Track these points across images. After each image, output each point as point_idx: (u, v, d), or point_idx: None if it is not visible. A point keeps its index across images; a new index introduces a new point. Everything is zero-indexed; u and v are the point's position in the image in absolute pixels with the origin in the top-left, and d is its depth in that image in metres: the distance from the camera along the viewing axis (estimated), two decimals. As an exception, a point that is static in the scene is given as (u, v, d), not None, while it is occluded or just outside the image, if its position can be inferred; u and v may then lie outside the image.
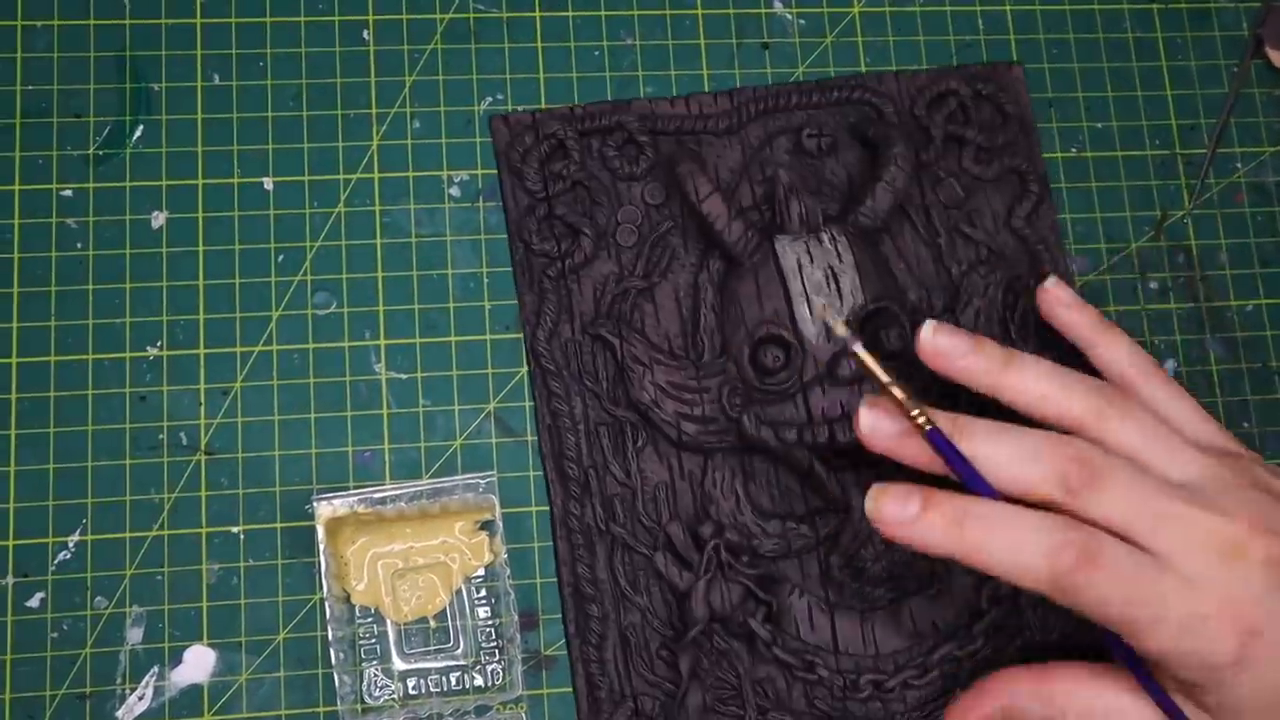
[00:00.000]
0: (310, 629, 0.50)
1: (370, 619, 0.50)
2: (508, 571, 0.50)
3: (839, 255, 0.51)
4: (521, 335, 0.53)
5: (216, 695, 0.49)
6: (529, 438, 0.53)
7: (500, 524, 0.50)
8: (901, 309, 0.51)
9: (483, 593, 0.51)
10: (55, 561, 0.50)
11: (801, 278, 0.51)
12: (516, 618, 0.49)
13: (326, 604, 0.49)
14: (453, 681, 0.50)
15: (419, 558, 0.51)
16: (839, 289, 0.51)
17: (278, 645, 0.50)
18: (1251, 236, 0.58)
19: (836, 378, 0.49)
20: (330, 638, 0.49)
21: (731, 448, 0.52)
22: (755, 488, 0.52)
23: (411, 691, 0.50)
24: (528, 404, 0.53)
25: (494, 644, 0.50)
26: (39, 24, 0.54)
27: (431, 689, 0.50)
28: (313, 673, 0.50)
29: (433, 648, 0.50)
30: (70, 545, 0.50)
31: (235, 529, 0.51)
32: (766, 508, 0.52)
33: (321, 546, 0.49)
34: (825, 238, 0.51)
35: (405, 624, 0.50)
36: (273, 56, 0.55)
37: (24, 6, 0.54)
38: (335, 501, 0.49)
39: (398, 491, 0.50)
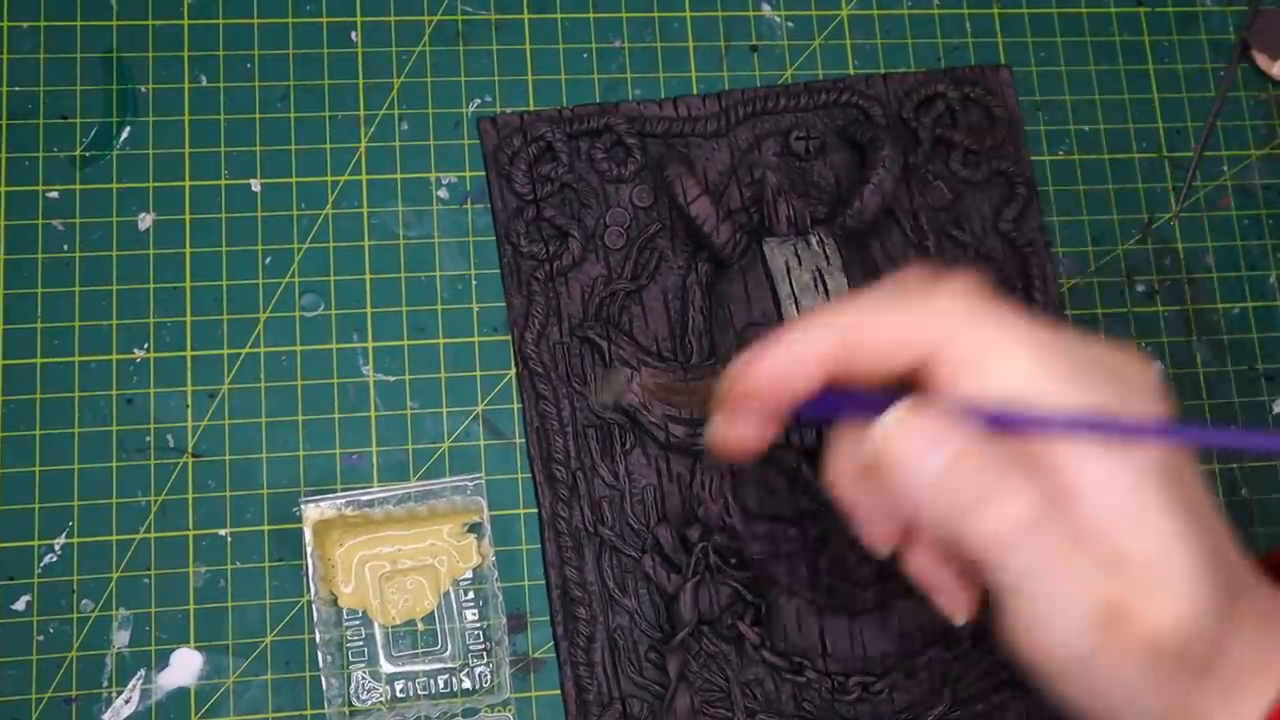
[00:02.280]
0: (298, 631, 0.50)
1: (358, 621, 0.50)
2: (495, 574, 0.50)
3: (827, 258, 0.51)
4: (509, 337, 0.53)
5: (204, 698, 0.49)
6: (517, 440, 0.53)
7: (488, 527, 0.50)
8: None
9: (470, 595, 0.51)
10: (41, 564, 0.50)
11: (790, 280, 0.51)
12: (504, 620, 0.49)
13: (314, 607, 0.49)
14: (440, 684, 0.50)
15: (407, 560, 0.50)
16: (827, 291, 0.51)
17: (265, 648, 0.50)
18: (1238, 239, 0.58)
19: (824, 380, 0.50)
20: (317, 640, 0.48)
21: (720, 450, 0.52)
22: (743, 490, 0.52)
23: (399, 694, 0.50)
24: (516, 406, 0.53)
25: (482, 646, 0.50)
26: (25, 25, 0.54)
27: (419, 692, 0.50)
28: (300, 675, 0.50)
29: (420, 650, 0.50)
30: (56, 548, 0.50)
31: (222, 531, 0.51)
32: (754, 510, 0.52)
33: (309, 549, 0.49)
34: (813, 240, 0.51)
35: (393, 627, 0.50)
36: (260, 58, 0.55)
37: (10, 7, 0.54)
38: (323, 504, 0.49)
39: (385, 494, 0.49)
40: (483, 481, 0.50)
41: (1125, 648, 0.33)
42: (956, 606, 0.39)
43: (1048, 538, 0.33)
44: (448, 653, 0.50)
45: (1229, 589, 0.34)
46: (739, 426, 0.37)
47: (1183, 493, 0.33)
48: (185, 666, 0.49)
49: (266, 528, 0.51)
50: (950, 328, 0.33)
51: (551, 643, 0.51)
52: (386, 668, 0.50)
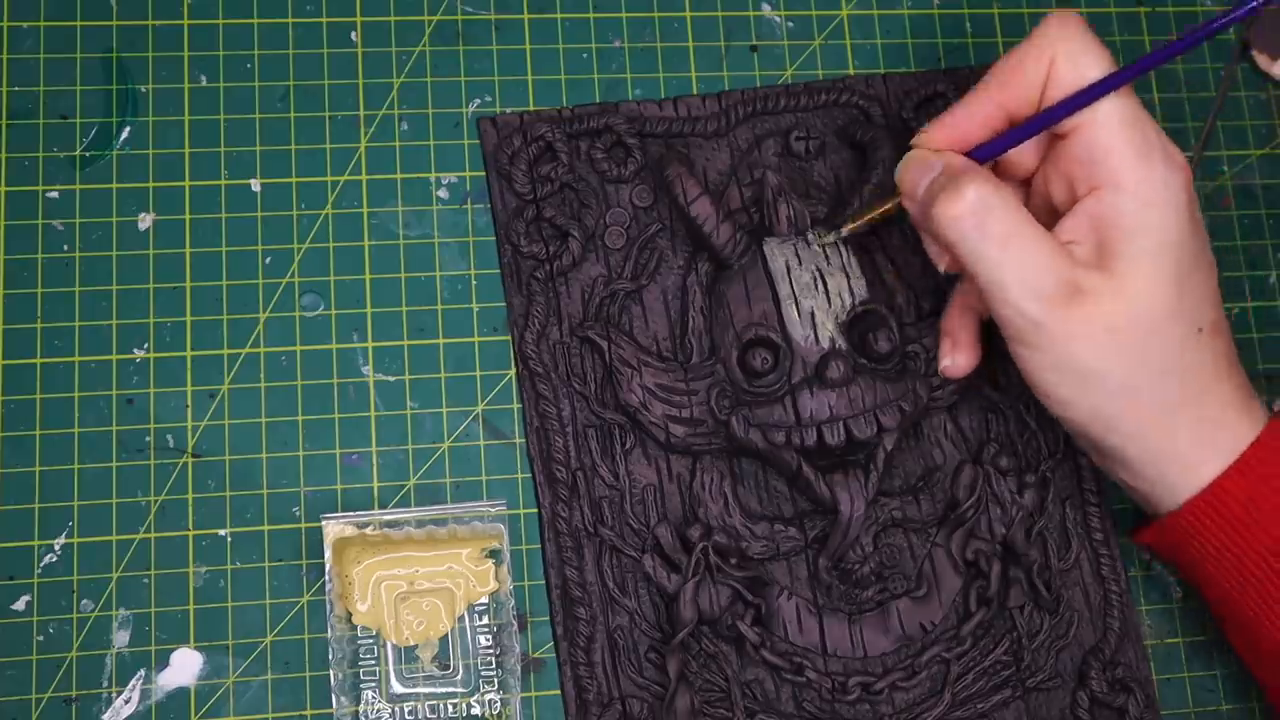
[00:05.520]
0: (298, 632, 0.50)
1: (371, 640, 0.50)
2: (512, 602, 0.50)
3: (827, 257, 0.51)
4: (510, 337, 0.53)
5: (203, 698, 0.49)
6: (517, 440, 0.53)
7: (507, 554, 0.50)
8: (890, 311, 0.51)
9: (485, 621, 0.50)
10: (41, 564, 0.50)
11: (790, 280, 0.51)
12: (518, 650, 0.49)
13: (328, 623, 0.49)
14: (449, 709, 0.50)
15: (424, 581, 0.50)
16: (827, 291, 0.51)
17: (265, 648, 0.50)
18: (1238, 239, 0.58)
19: (825, 380, 0.50)
20: (330, 658, 0.48)
21: (720, 450, 0.52)
22: (743, 490, 0.52)
23: (408, 717, 0.49)
24: (516, 406, 0.53)
25: (493, 674, 0.50)
26: (25, 25, 0.54)
27: (427, 715, 0.49)
28: (300, 675, 0.50)
29: (432, 674, 0.50)
30: (56, 548, 0.50)
31: (222, 531, 0.51)
32: (755, 510, 0.52)
33: (328, 566, 0.48)
34: (813, 240, 0.51)
35: (406, 648, 0.50)
36: (260, 58, 0.55)
37: (10, 7, 0.54)
38: (344, 521, 0.49)
39: (407, 515, 0.49)
40: (504, 507, 0.50)
41: (1080, 318, 0.44)
42: (950, 352, 0.51)
43: (994, 225, 0.44)
44: (459, 677, 0.50)
45: (1197, 319, 0.45)
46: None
47: (1182, 230, 0.45)
48: (185, 666, 0.49)
49: (266, 528, 0.51)
50: (1059, 38, 0.45)
51: (551, 643, 0.51)
52: (396, 688, 0.50)
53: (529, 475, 0.52)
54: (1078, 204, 0.46)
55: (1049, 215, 0.47)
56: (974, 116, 0.47)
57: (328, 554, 0.49)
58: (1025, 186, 0.50)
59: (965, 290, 0.51)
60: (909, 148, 0.48)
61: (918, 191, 0.47)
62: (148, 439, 0.51)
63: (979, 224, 0.44)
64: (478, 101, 0.55)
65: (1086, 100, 0.45)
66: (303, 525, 0.51)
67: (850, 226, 0.50)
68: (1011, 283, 0.44)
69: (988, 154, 0.47)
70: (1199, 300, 0.46)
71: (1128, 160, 0.45)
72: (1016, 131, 0.46)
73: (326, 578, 0.49)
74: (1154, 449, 0.46)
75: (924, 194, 0.46)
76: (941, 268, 0.50)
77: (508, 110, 0.55)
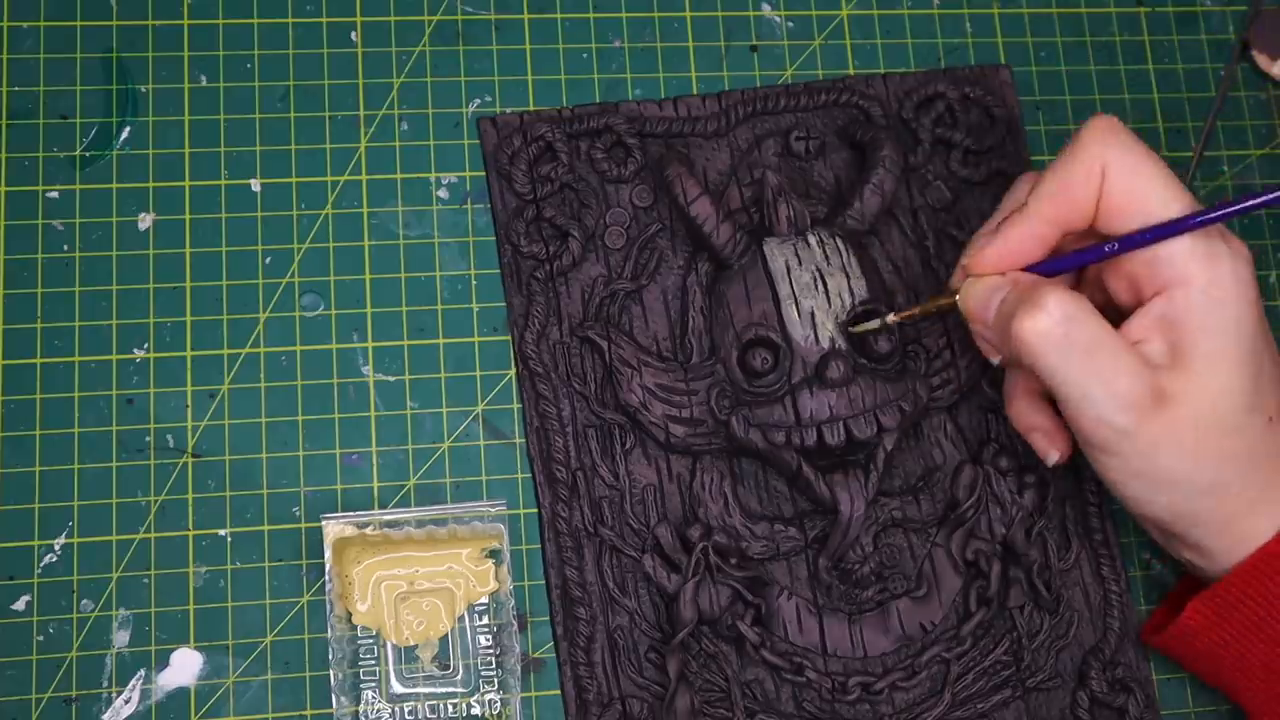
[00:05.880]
0: (298, 632, 0.50)
1: (371, 640, 0.50)
2: (512, 602, 0.50)
3: (827, 257, 0.51)
4: (510, 337, 0.53)
5: (203, 698, 0.49)
6: (517, 440, 0.53)
7: (507, 554, 0.50)
8: (890, 311, 0.51)
9: (485, 621, 0.50)
10: (41, 564, 0.50)
11: (790, 280, 0.51)
12: (518, 650, 0.49)
13: (329, 623, 0.49)
14: (449, 709, 0.50)
15: (424, 581, 0.50)
16: (827, 291, 0.51)
17: (265, 648, 0.50)
18: (1238, 239, 0.58)
19: (825, 380, 0.50)
20: (330, 658, 0.48)
21: (720, 450, 0.52)
22: (743, 490, 0.52)
23: (408, 717, 0.49)
24: (516, 406, 0.53)
25: (493, 674, 0.50)
26: (25, 25, 0.54)
27: (427, 715, 0.49)
28: (300, 675, 0.50)
29: (432, 674, 0.50)
30: (56, 548, 0.50)
31: (222, 531, 0.51)
32: (755, 510, 0.52)
33: (328, 566, 0.48)
34: (813, 240, 0.51)
35: (406, 648, 0.50)
36: (260, 58, 0.55)
37: (10, 7, 0.54)
38: (344, 521, 0.49)
39: (407, 515, 0.49)
40: (504, 507, 0.50)
41: (1167, 424, 0.43)
42: (1051, 445, 0.49)
43: (1078, 337, 0.43)
44: (459, 677, 0.50)
45: (1269, 407, 0.45)
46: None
47: (1253, 321, 0.44)
48: (185, 666, 0.49)
49: (266, 528, 0.51)
50: (1106, 145, 0.45)
51: (551, 643, 0.51)
52: (396, 688, 0.50)
53: (529, 475, 0.52)
54: (1145, 304, 0.45)
55: (1105, 315, 0.46)
56: (1026, 238, 0.46)
57: (328, 554, 0.49)
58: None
59: (1017, 381, 0.50)
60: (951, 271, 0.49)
61: (988, 315, 0.46)
62: (148, 439, 0.51)
63: (1064, 336, 0.43)
64: (478, 101, 0.55)
65: (1172, 232, 0.44)
66: (303, 525, 0.51)
67: (900, 315, 0.50)
68: (1099, 396, 0.43)
69: (1048, 272, 0.47)
70: (1272, 387, 0.45)
71: (1197, 259, 0.44)
72: (1085, 253, 0.46)
73: (326, 578, 0.49)
74: (1237, 535, 0.46)
75: (997, 315, 0.45)
76: (995, 362, 0.48)
77: (508, 110, 0.55)
